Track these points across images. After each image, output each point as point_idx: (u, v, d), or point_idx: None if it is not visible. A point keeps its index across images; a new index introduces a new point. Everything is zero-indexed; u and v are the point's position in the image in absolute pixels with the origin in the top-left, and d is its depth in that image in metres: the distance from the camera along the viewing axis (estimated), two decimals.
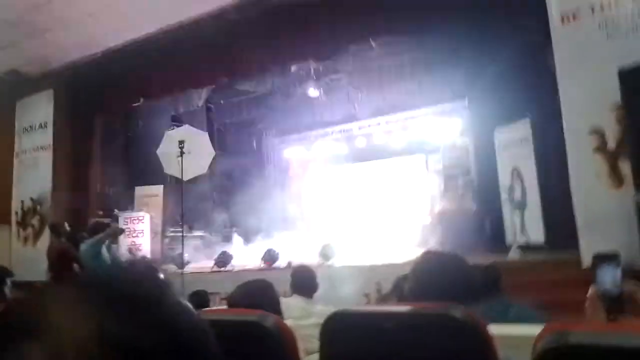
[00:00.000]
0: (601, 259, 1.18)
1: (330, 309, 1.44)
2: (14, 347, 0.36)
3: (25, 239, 8.85)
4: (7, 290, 2.20)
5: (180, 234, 8.05)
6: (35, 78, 8.97)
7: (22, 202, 8.96)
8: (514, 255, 5.82)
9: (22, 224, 8.93)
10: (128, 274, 0.45)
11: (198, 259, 8.73)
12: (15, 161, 9.15)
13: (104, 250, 5.79)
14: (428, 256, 1.60)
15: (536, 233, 6.14)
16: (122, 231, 7.02)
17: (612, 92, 4.26)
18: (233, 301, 1.94)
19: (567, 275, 4.62)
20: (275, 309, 1.93)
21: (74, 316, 0.38)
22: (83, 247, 5.91)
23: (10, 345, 0.37)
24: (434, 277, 1.46)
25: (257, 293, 1.93)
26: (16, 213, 9.00)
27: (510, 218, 6.36)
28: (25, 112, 9.21)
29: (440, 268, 1.48)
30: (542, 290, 4.43)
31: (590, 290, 1.18)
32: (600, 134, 4.66)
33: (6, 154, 9.08)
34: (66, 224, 6.51)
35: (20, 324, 0.38)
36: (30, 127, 9.08)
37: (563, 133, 4.86)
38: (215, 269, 6.90)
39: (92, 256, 5.69)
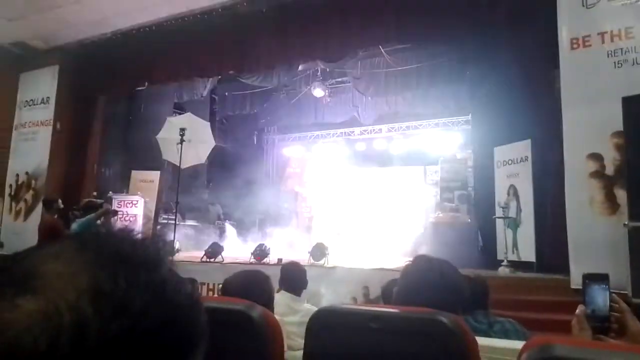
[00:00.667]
0: (591, 278, 1.18)
1: (316, 309, 1.44)
2: (3, 300, 0.36)
3: (17, 213, 8.79)
4: None
5: (173, 221, 8.04)
6: (42, 52, 8.94)
7: (17, 175, 8.90)
8: (503, 271, 5.84)
9: (15, 197, 8.88)
10: (126, 235, 0.45)
11: (188, 248, 8.71)
12: (13, 133, 9.10)
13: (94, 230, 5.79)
14: (418, 260, 1.59)
15: (528, 251, 6.16)
16: (115, 213, 7.00)
17: (615, 119, 4.29)
18: (227, 288, 1.93)
19: (555, 296, 4.64)
20: (268, 302, 1.92)
21: (69, 269, 0.38)
22: (74, 225, 5.91)
23: (3, 297, 0.36)
24: (422, 282, 1.46)
25: (252, 283, 1.92)
26: (10, 186, 8.94)
27: (503, 234, 6.37)
28: (28, 85, 9.17)
29: (429, 273, 1.48)
30: (530, 309, 4.44)
31: (578, 310, 1.18)
32: (599, 159, 4.69)
33: (5, 126, 9.03)
34: (59, 201, 6.48)
35: (11, 276, 0.38)
36: (32, 100, 9.03)
37: (562, 156, 4.89)
38: (205, 259, 6.88)
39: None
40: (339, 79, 10.53)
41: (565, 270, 4.66)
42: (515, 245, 6.42)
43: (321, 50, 7.38)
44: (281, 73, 9.51)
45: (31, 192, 8.67)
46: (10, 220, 8.78)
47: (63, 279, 0.37)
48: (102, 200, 6.91)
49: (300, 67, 9.58)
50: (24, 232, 8.08)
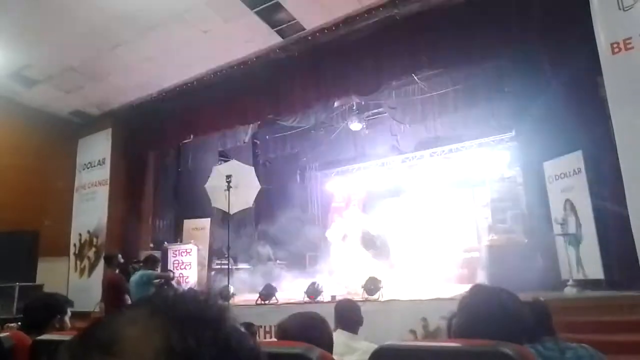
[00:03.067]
0: None
1: (374, 346, 1.42)
2: None
3: (82, 271, 9.28)
4: (67, 319, 2.31)
5: (226, 266, 8.19)
6: (96, 118, 9.65)
7: (80, 234, 9.46)
8: (570, 291, 5.51)
9: (79, 255, 9.40)
10: (192, 297, 0.49)
11: (243, 292, 8.80)
12: (75, 196, 9.74)
13: (153, 282, 6.03)
14: (475, 290, 1.55)
15: (594, 268, 5.80)
16: (173, 278, 7.31)
17: None
18: (284, 332, 1.91)
19: (631, 315, 4.31)
20: (328, 344, 1.89)
21: (144, 333, 0.43)
22: (134, 277, 6.15)
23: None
24: (481, 313, 1.41)
25: (310, 326, 1.91)
26: (74, 245, 9.49)
27: (565, 252, 6.05)
28: (85, 149, 9.87)
29: (487, 304, 1.43)
30: (603, 331, 4.14)
31: None
32: None
33: (68, 189, 9.69)
34: (119, 256, 6.80)
35: (97, 342, 0.43)
36: (90, 163, 9.69)
37: (618, 163, 4.65)
38: (260, 301, 6.92)
39: (142, 284, 5.92)
40: (375, 110, 10.60)
41: (638, 285, 4.34)
42: (579, 262, 6.06)
43: (354, 85, 7.50)
44: (318, 111, 9.71)
45: (93, 249, 9.16)
46: (76, 278, 9.26)
47: (141, 343, 0.42)
48: (159, 253, 7.17)
49: (335, 104, 9.75)
50: (89, 288, 8.48)
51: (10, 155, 8.68)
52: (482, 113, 9.06)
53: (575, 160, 6.18)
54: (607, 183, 5.52)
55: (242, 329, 0.48)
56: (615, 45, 4.81)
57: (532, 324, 1.56)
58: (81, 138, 9.94)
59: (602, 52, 4.89)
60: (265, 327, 6.16)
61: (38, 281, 7.82)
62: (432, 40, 6.60)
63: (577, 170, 6.17)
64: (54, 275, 8.62)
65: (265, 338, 5.93)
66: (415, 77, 8.53)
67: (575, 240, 6.11)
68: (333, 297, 6.52)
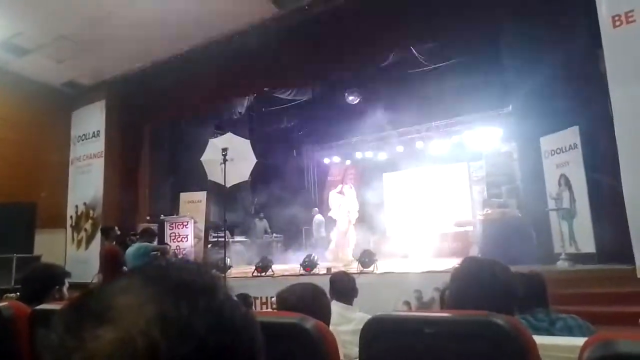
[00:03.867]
0: None
1: (369, 317, 1.45)
2: (86, 332, 0.41)
3: (79, 243, 9.33)
4: (65, 290, 2.33)
5: (223, 239, 8.25)
6: (89, 89, 9.50)
7: (77, 207, 9.46)
8: (562, 265, 5.60)
9: (76, 228, 9.43)
10: (184, 266, 0.49)
11: (239, 264, 8.90)
12: (70, 168, 9.70)
13: (150, 254, 6.08)
14: (467, 262, 1.57)
15: (586, 242, 5.88)
16: (169, 251, 7.34)
17: None
18: (282, 303, 1.95)
19: (620, 287, 4.40)
20: (326, 314, 1.93)
21: (137, 301, 0.43)
22: (130, 249, 6.19)
23: (83, 330, 0.41)
24: (473, 284, 1.44)
25: (308, 297, 1.94)
26: (71, 217, 9.51)
27: (558, 227, 6.12)
28: (79, 121, 9.76)
29: (479, 275, 1.46)
30: (594, 302, 4.24)
31: None
32: None
33: (63, 161, 9.63)
34: (116, 228, 6.82)
35: (90, 310, 0.43)
36: (84, 135, 9.61)
37: (614, 140, 4.65)
38: (256, 273, 7.01)
39: (139, 256, 5.96)
40: (373, 84, 10.49)
41: (629, 259, 4.41)
42: (572, 237, 6.14)
43: (351, 57, 7.41)
44: (314, 84, 9.61)
45: (90, 221, 9.18)
46: (74, 250, 9.32)
47: (133, 310, 0.42)
48: (156, 225, 7.19)
49: (332, 77, 9.64)
50: (86, 260, 8.55)
51: (4, 127, 8.59)
52: (479, 87, 8.99)
53: (571, 135, 6.18)
54: (603, 158, 5.53)
55: (235, 298, 0.49)
56: (616, 18, 4.74)
57: (523, 295, 1.59)
58: (75, 110, 9.81)
59: (602, 25, 4.81)
60: (261, 298, 6.26)
61: (36, 252, 7.86)
62: (429, 11, 6.49)
63: (573, 146, 6.18)
64: (52, 246, 8.68)
65: (261, 309, 6.03)
66: (413, 50, 8.40)
67: (568, 214, 6.17)
68: (328, 269, 6.60)
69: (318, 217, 10.95)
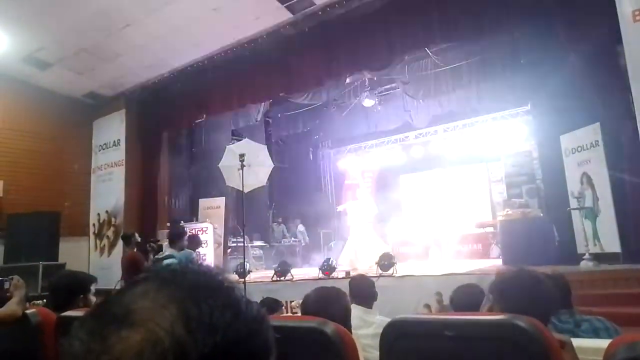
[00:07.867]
0: None
1: (389, 320, 1.45)
2: (111, 335, 0.43)
3: (102, 250, 9.51)
4: (91, 297, 2.39)
5: (242, 244, 8.30)
6: (110, 99, 9.71)
7: (99, 214, 9.66)
8: (586, 265, 5.48)
9: (99, 235, 9.62)
10: (196, 269, 0.52)
11: (258, 268, 8.95)
12: (92, 177, 9.91)
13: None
14: (510, 277, 1.60)
15: (611, 242, 5.74)
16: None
17: None
18: (304, 306, 1.99)
19: None
20: (346, 318, 1.94)
21: (157, 304, 0.45)
22: (182, 254, 5.76)
23: (108, 334, 0.43)
24: (518, 292, 1.47)
25: (328, 301, 1.96)
26: (93, 225, 9.71)
27: (581, 226, 5.99)
28: (100, 131, 9.98)
29: (525, 283, 1.49)
30: (620, 303, 4.13)
31: None
32: None
33: (85, 171, 9.86)
34: (136, 235, 6.93)
35: (113, 315, 0.45)
36: (105, 144, 9.81)
37: (637, 136, 4.54)
38: (276, 278, 7.04)
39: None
40: (388, 86, 10.46)
41: None
42: (596, 236, 6.01)
43: (366, 60, 7.40)
44: (329, 88, 9.62)
45: (112, 228, 9.36)
46: (97, 257, 9.51)
47: (156, 312, 0.44)
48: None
49: (347, 80, 9.64)
50: (109, 266, 8.70)
51: (29, 139, 8.85)
52: (497, 86, 8.86)
53: (592, 132, 6.05)
54: (625, 155, 5.41)
55: (249, 299, 0.51)
56: (637, 12, 4.64)
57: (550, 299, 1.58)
58: (95, 120, 10.04)
59: (623, 19, 4.71)
60: (281, 302, 6.27)
61: (60, 260, 8.05)
62: (444, 12, 6.44)
63: (594, 143, 6.06)
64: (76, 254, 8.88)
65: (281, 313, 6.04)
66: (428, 51, 8.35)
67: (591, 213, 6.04)
68: (347, 272, 6.59)
69: (336, 222, 10.94)
